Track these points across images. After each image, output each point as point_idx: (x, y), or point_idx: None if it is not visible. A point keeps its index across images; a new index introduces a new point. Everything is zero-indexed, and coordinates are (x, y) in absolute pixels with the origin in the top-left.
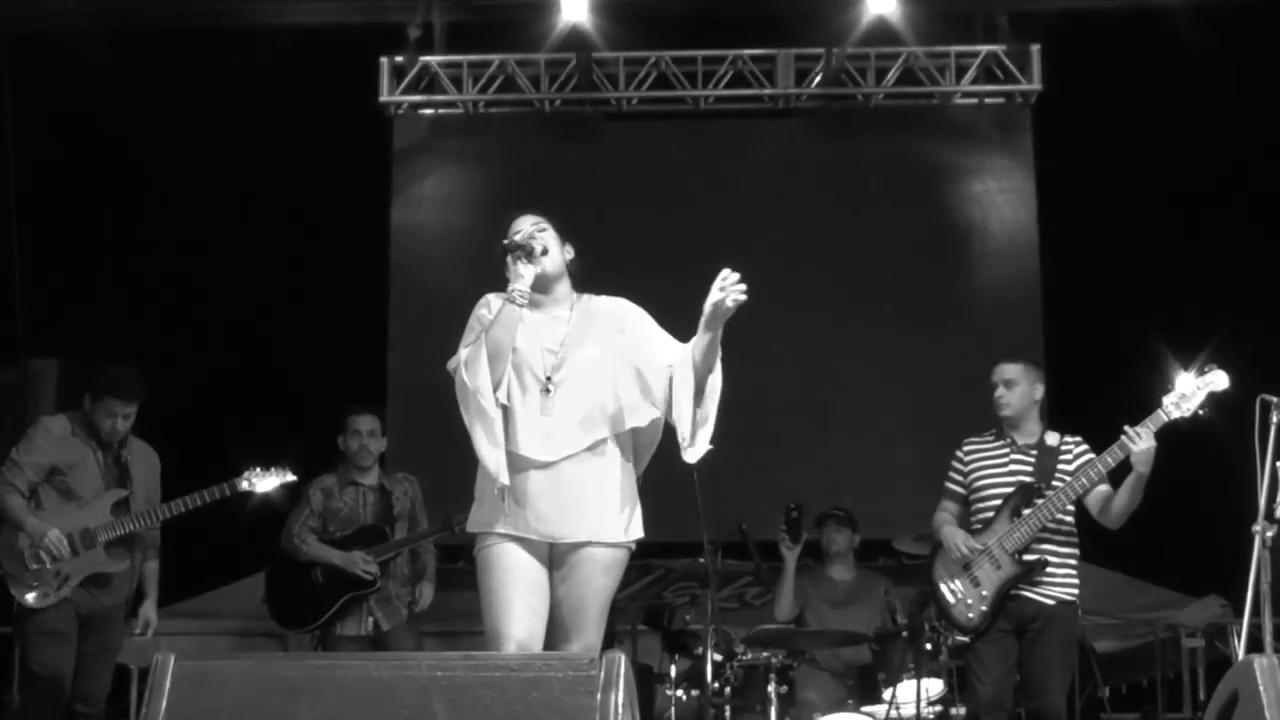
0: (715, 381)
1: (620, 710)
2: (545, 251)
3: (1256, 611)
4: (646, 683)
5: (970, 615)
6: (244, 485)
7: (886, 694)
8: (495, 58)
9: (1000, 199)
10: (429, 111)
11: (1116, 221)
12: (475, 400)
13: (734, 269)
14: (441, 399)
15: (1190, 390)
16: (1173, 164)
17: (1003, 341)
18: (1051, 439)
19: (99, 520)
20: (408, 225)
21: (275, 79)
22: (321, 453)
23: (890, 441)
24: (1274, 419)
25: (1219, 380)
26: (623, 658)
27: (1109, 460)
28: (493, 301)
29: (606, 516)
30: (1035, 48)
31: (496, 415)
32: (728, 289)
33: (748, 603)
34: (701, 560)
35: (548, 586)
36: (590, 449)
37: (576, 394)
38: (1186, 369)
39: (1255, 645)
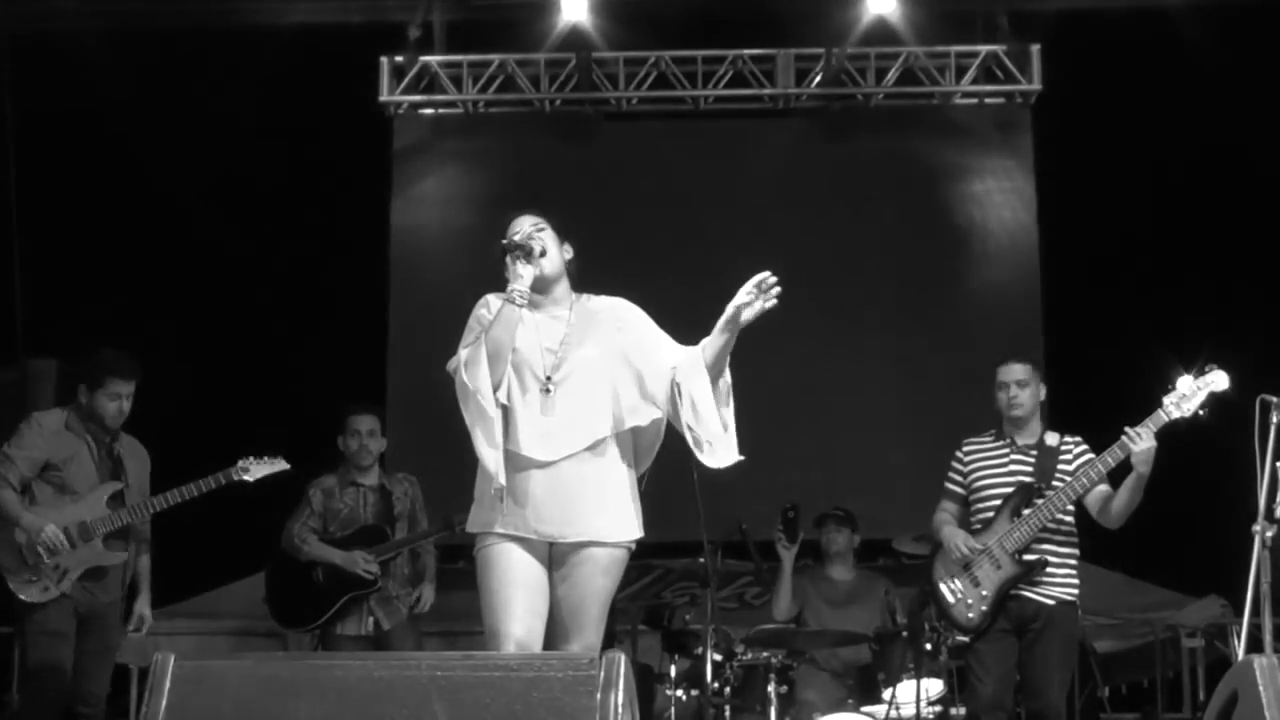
0: (727, 384)
1: (620, 710)
2: (544, 252)
3: (1256, 611)
4: (646, 683)
5: (970, 615)
6: (238, 475)
7: (886, 694)
8: (495, 57)
9: (1000, 199)
10: (429, 111)
11: (1116, 221)
12: (474, 401)
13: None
14: (441, 399)
15: (1190, 390)
16: (1173, 163)
17: (1002, 341)
18: (1051, 439)
19: (95, 513)
20: (408, 225)
21: (275, 79)
22: (321, 453)
23: (890, 441)
24: (1274, 419)
25: (1219, 380)
26: (622, 657)
27: (1109, 460)
28: (492, 302)
29: (606, 516)
30: (1035, 48)
31: (496, 416)
32: (764, 294)
33: (747, 603)
34: (701, 560)
35: (547, 586)
36: (590, 449)
37: (576, 394)
38: (1187, 369)
39: (1255, 645)
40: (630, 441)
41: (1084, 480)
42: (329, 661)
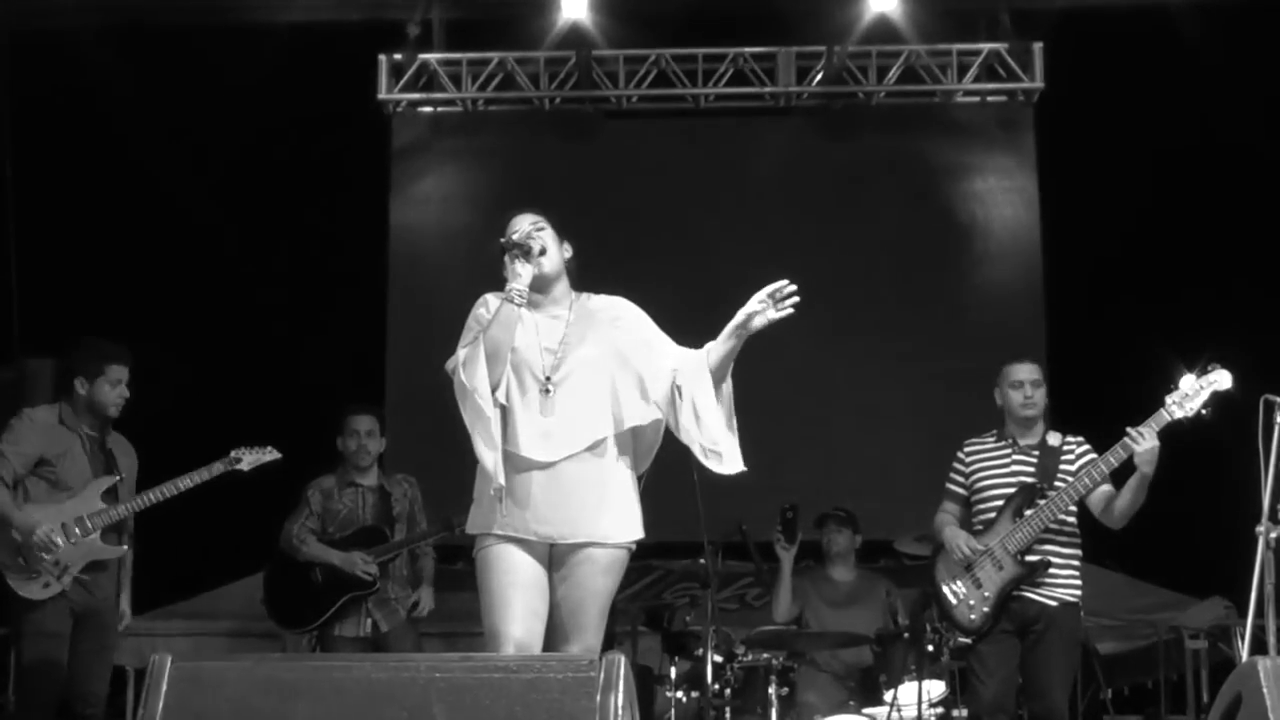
0: (729, 392)
1: (620, 712)
2: (543, 251)
3: (1260, 613)
4: (646, 684)
5: (972, 616)
6: (232, 465)
7: (888, 696)
8: (494, 55)
9: (1002, 198)
10: (428, 109)
11: (1119, 220)
12: (472, 401)
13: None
14: (441, 399)
15: (1193, 389)
16: (1176, 162)
17: (1004, 341)
18: (1053, 439)
19: (91, 508)
20: (407, 224)
21: (273, 76)
22: (320, 453)
23: (892, 441)
24: (1278, 419)
25: (1222, 379)
26: (622, 659)
27: (1111, 460)
28: (490, 301)
29: (606, 517)
30: (1037, 45)
31: (494, 416)
32: (777, 303)
33: (748, 604)
34: (702, 561)
35: (547, 587)
36: (590, 449)
37: (576, 394)
38: (1189, 368)
39: (1259, 647)
40: (630, 442)
41: (1086, 481)
42: (327, 663)
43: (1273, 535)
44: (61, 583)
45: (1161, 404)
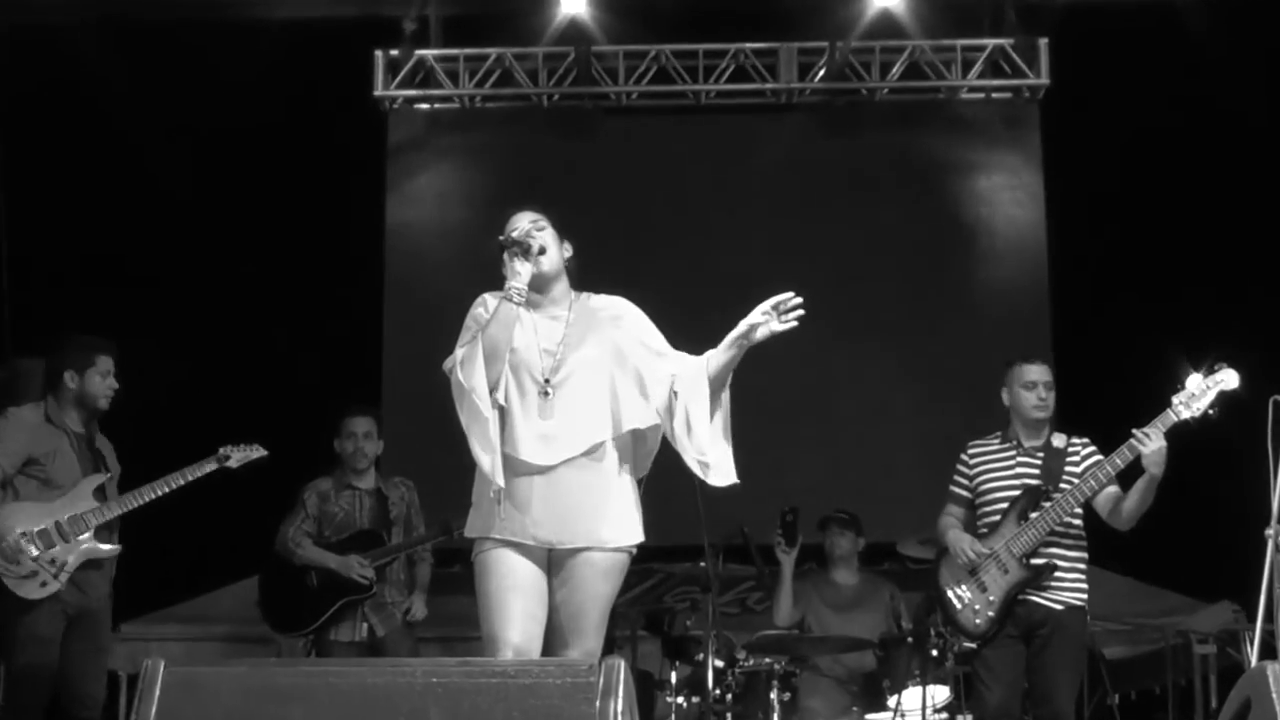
0: (726, 404)
1: (619, 717)
2: (543, 250)
3: (1270, 617)
4: (646, 689)
5: (977, 621)
6: (221, 463)
7: (891, 701)
8: (492, 51)
9: (1007, 196)
10: (425, 106)
11: (1126, 219)
12: (471, 401)
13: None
14: (438, 400)
15: (1199, 389)
16: (1183, 160)
17: (1009, 341)
18: (1058, 441)
19: (84, 506)
20: (403, 222)
21: (268, 73)
22: (316, 455)
23: (895, 443)
24: None
25: (1229, 379)
26: (622, 664)
27: (1117, 462)
28: (489, 301)
29: (607, 522)
30: (1043, 41)
31: (492, 416)
32: (783, 317)
33: (749, 608)
34: (702, 564)
35: (546, 592)
36: (590, 452)
37: (575, 396)
38: (1196, 368)
39: (1268, 652)
40: (630, 445)
41: (1092, 482)
42: (323, 668)
43: None
44: (59, 581)
45: (1168, 404)
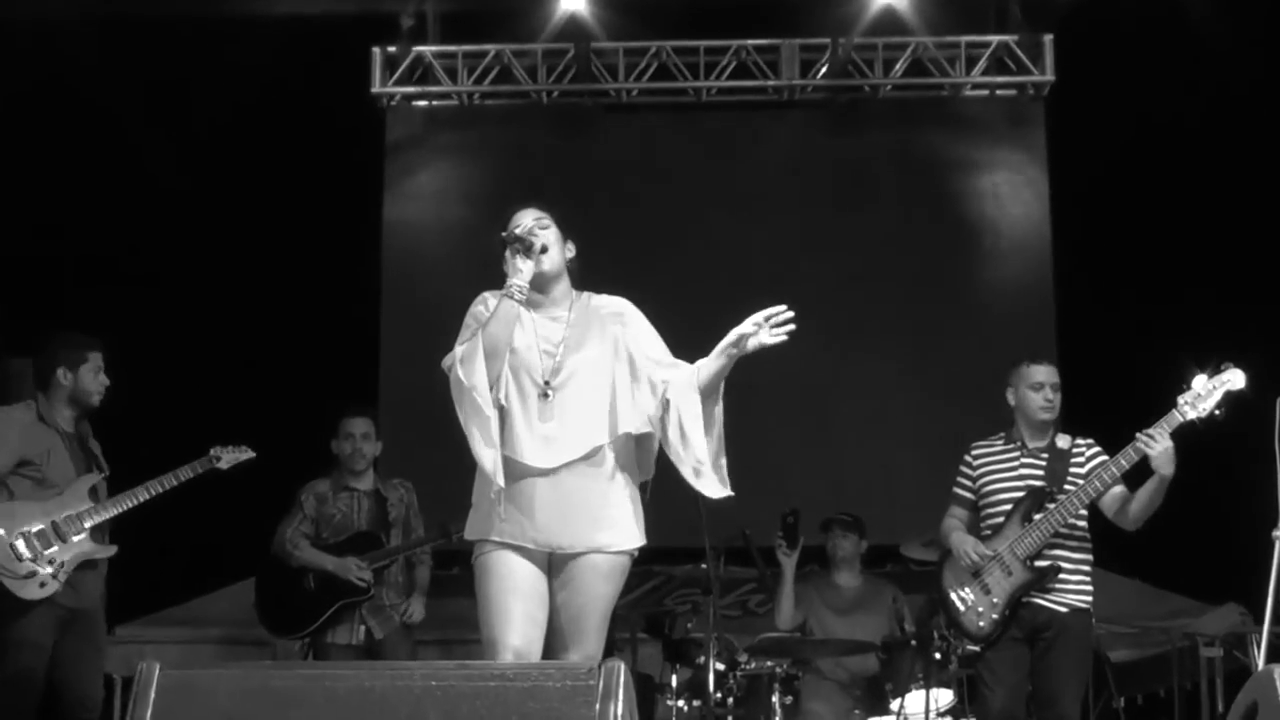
0: (720, 414)
1: None
2: (545, 249)
3: (1277, 620)
4: (647, 693)
5: (981, 623)
6: (211, 464)
7: (895, 704)
8: (491, 48)
9: (1012, 194)
10: (423, 103)
11: (1132, 217)
12: (470, 398)
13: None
14: (436, 401)
15: (1205, 390)
16: (1190, 157)
17: (1014, 341)
18: (1063, 442)
19: (80, 505)
20: (401, 220)
21: (264, 70)
22: (314, 456)
23: (898, 444)
24: None
25: (1235, 379)
26: (622, 667)
27: (1122, 463)
28: (489, 299)
29: (608, 525)
30: (1048, 38)
31: (492, 415)
32: (772, 329)
33: (751, 610)
34: (703, 566)
35: (547, 595)
36: (591, 454)
37: (576, 398)
38: (1202, 368)
39: (1275, 655)
40: (632, 448)
41: (1097, 484)
42: (319, 671)
43: None
44: (58, 581)
45: (1173, 405)
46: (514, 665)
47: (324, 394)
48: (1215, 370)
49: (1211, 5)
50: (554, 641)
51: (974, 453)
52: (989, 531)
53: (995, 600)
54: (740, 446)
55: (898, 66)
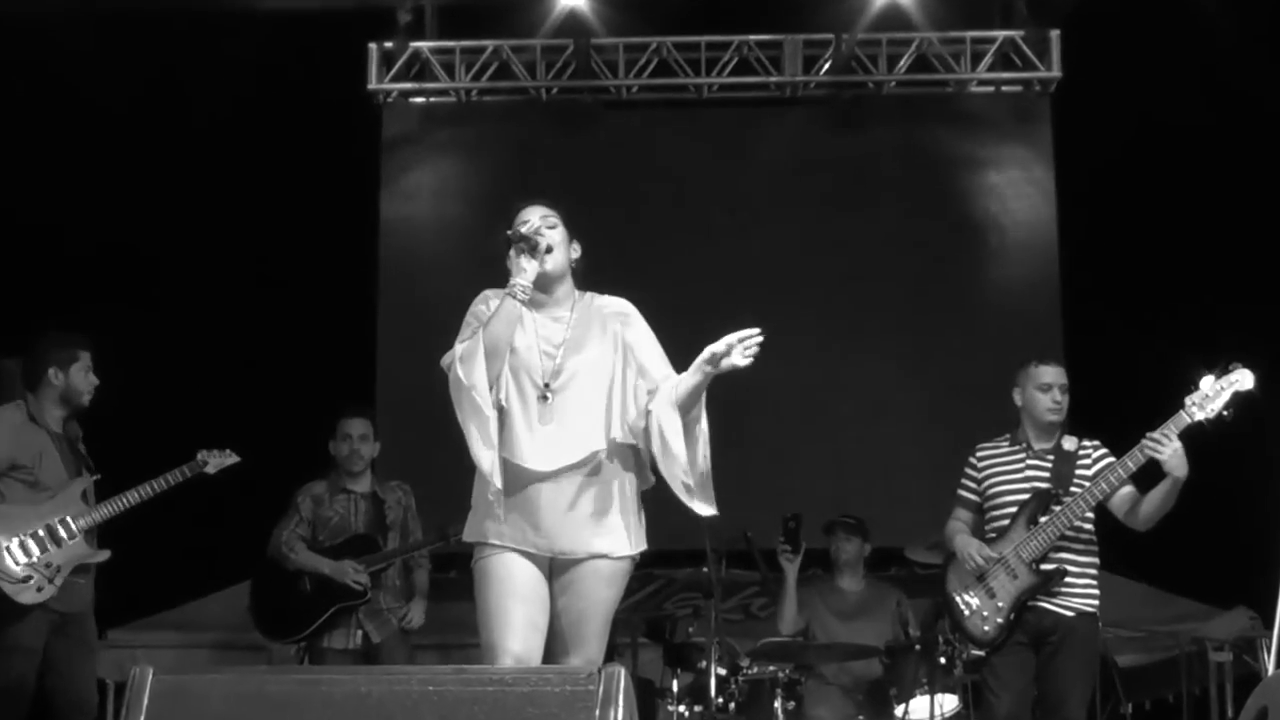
0: (704, 431)
1: None
2: (549, 249)
3: None
4: (647, 698)
5: (986, 628)
6: (199, 469)
7: (899, 710)
8: (489, 43)
9: (1017, 192)
10: (420, 100)
11: (1139, 215)
12: (469, 398)
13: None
14: (434, 401)
15: (1213, 390)
16: (1199, 154)
17: (1019, 341)
18: (1069, 444)
19: (74, 509)
20: (398, 218)
21: (258, 66)
22: (311, 458)
23: (901, 445)
24: None
25: (1244, 379)
26: (622, 671)
27: (1129, 464)
28: (491, 297)
29: (609, 530)
30: (1055, 33)
31: (491, 415)
32: (739, 349)
33: (753, 614)
34: (705, 570)
35: (548, 599)
36: (590, 458)
37: (575, 401)
38: (1210, 368)
39: None
40: (633, 449)
41: (1103, 485)
42: (315, 676)
43: None
44: (54, 585)
45: (1181, 406)
46: (513, 670)
47: (320, 394)
48: (1223, 371)
49: (1219, 0)
50: (554, 646)
51: (979, 454)
52: (994, 534)
53: (1000, 604)
54: (742, 447)
55: (902, 63)
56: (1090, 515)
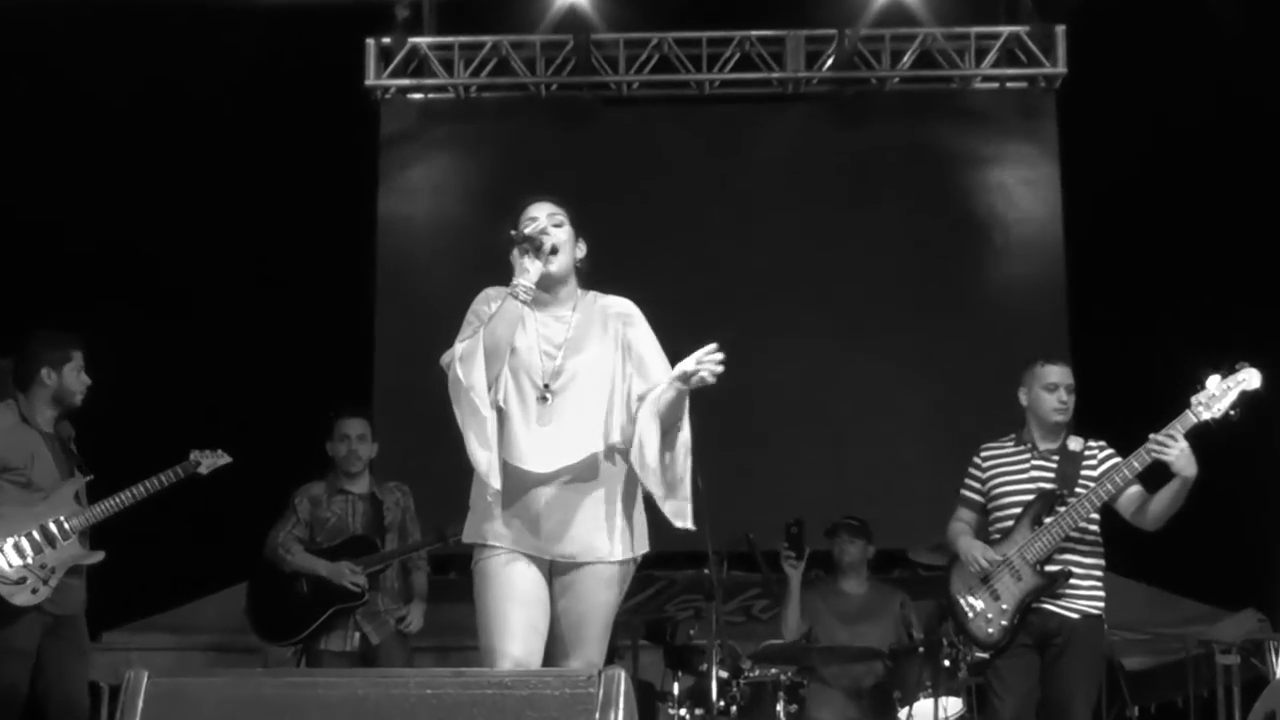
0: (685, 443)
1: None
2: (555, 249)
3: None
4: (648, 701)
5: (990, 630)
6: (191, 470)
7: (902, 713)
8: (488, 39)
9: (1022, 189)
10: (418, 96)
11: (1146, 212)
12: (468, 398)
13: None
14: (432, 401)
15: (1220, 390)
16: (1205, 151)
17: (1024, 340)
18: (1075, 444)
19: (68, 510)
20: (396, 216)
21: (255, 61)
22: (308, 459)
23: (905, 446)
24: None
25: (1251, 379)
26: (623, 674)
27: (1135, 465)
28: (493, 296)
29: (610, 532)
30: (1060, 28)
31: (490, 416)
32: (703, 364)
33: (755, 616)
34: (706, 571)
35: (548, 601)
36: (590, 459)
37: (575, 402)
38: (1216, 367)
39: None
40: None
41: (1109, 486)
42: (312, 679)
43: None
44: (49, 587)
45: (1187, 405)
46: (512, 673)
47: (318, 394)
48: (1230, 370)
49: None
50: (554, 649)
51: (983, 454)
52: (998, 535)
53: (1004, 606)
54: (744, 447)
55: (905, 58)
56: (1096, 516)
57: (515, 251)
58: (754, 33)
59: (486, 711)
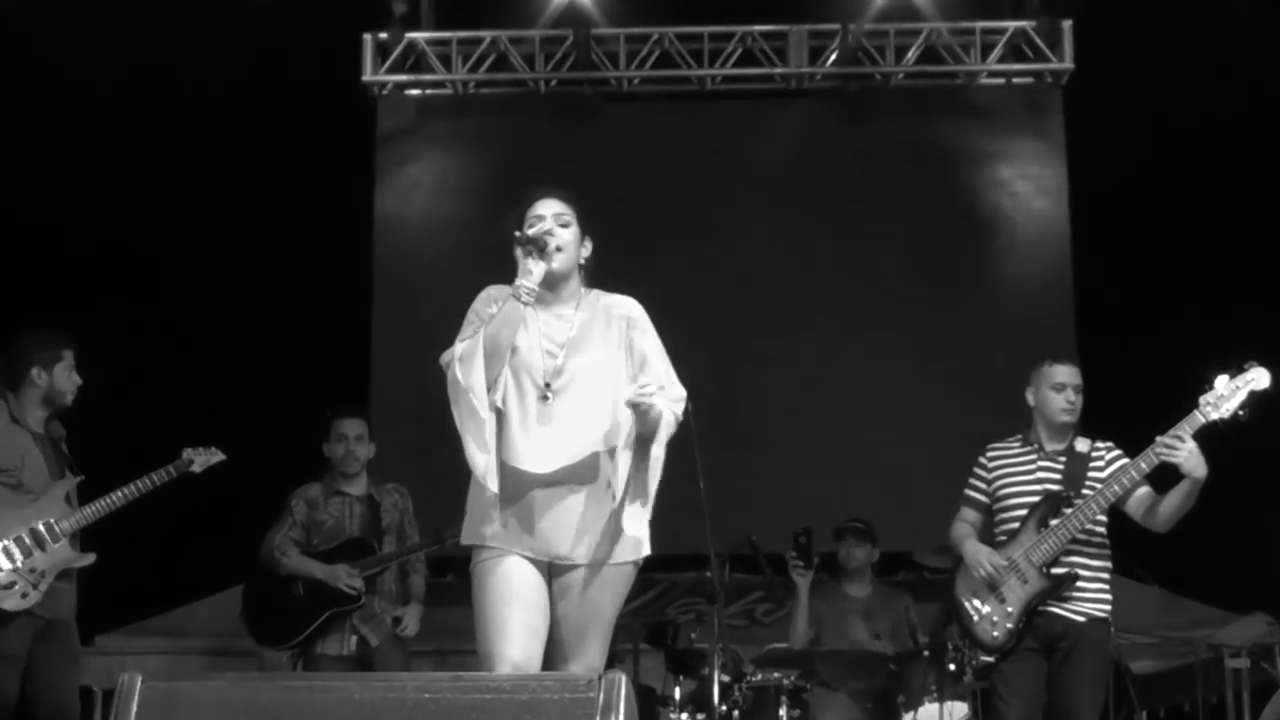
0: (657, 454)
1: None
2: (559, 249)
3: None
4: (649, 705)
5: (995, 634)
6: (184, 469)
7: (907, 717)
8: (487, 34)
9: (1029, 186)
10: (416, 92)
11: (1154, 210)
12: (467, 400)
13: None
14: (430, 402)
15: (1228, 390)
16: (1213, 147)
17: (1031, 339)
18: (1082, 445)
19: (58, 512)
20: (393, 214)
21: (251, 57)
22: (306, 459)
23: (910, 445)
24: None
25: (1260, 378)
26: (623, 679)
27: (1142, 466)
28: (494, 295)
29: (611, 534)
30: (1067, 23)
31: (489, 418)
32: (640, 395)
33: (757, 620)
34: (708, 574)
35: (547, 604)
36: (590, 460)
37: (576, 402)
38: (1225, 367)
39: None
40: None
41: (1115, 487)
42: (308, 683)
43: None
44: (39, 591)
45: (1195, 405)
46: (510, 677)
47: (314, 394)
48: (1239, 370)
49: None
50: (554, 653)
51: (989, 455)
52: (1003, 537)
53: (1010, 609)
54: (747, 447)
55: (910, 54)
56: (1103, 518)
57: (518, 252)
58: (756, 28)
59: (485, 716)
